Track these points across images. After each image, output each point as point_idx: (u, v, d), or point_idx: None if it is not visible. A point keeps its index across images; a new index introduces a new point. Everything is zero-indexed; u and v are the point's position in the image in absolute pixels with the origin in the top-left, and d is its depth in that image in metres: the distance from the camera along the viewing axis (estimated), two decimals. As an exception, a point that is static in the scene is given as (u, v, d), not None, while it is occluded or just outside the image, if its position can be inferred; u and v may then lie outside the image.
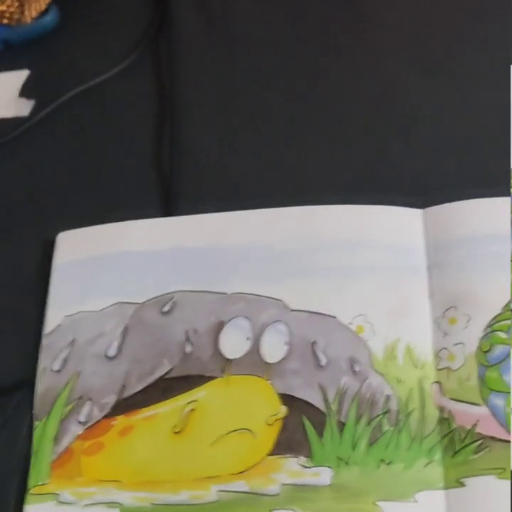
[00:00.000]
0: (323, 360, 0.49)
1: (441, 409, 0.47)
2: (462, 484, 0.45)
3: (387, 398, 0.48)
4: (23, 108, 0.63)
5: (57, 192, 0.59)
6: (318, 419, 0.47)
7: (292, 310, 0.50)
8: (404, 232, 0.52)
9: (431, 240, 0.52)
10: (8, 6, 0.64)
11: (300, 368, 0.49)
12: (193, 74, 0.64)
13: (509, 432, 0.47)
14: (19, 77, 0.65)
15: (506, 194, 0.53)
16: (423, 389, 0.48)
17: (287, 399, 0.48)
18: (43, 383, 0.50)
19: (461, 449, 0.46)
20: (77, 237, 0.55)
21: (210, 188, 0.58)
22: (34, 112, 0.63)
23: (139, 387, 0.49)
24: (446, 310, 0.50)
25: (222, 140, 0.60)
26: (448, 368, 0.48)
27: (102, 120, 0.62)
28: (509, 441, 0.46)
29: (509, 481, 0.45)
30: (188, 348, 0.50)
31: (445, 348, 0.49)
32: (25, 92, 0.64)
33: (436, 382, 0.48)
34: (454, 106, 0.59)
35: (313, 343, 0.49)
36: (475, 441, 0.46)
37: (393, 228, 0.53)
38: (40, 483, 0.47)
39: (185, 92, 0.63)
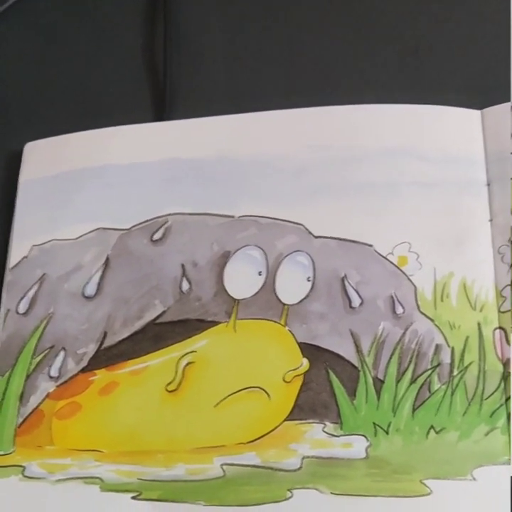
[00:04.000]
0: (356, 301, 0.41)
1: (506, 362, 0.40)
2: None
3: (438, 348, 0.40)
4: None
5: (25, 96, 0.53)
6: (350, 375, 0.41)
7: (316, 237, 0.43)
8: (460, 138, 0.44)
9: (492, 149, 0.43)
10: None
11: (326, 311, 0.41)
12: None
13: None
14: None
15: None
16: (483, 336, 0.40)
17: (310, 350, 0.41)
18: (6, 329, 0.44)
19: None
20: (49, 147, 0.48)
21: (213, 87, 0.50)
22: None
23: (125, 334, 0.43)
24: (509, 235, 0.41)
25: (228, 28, 0.52)
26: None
27: (77, 10, 0.55)
28: None
29: None
30: (185, 286, 0.43)
31: (511, 285, 0.40)
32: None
33: (500, 328, 0.40)
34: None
35: (343, 279, 0.42)
36: None
37: (447, 133, 0.44)
38: (1, 452, 0.42)
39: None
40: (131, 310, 0.43)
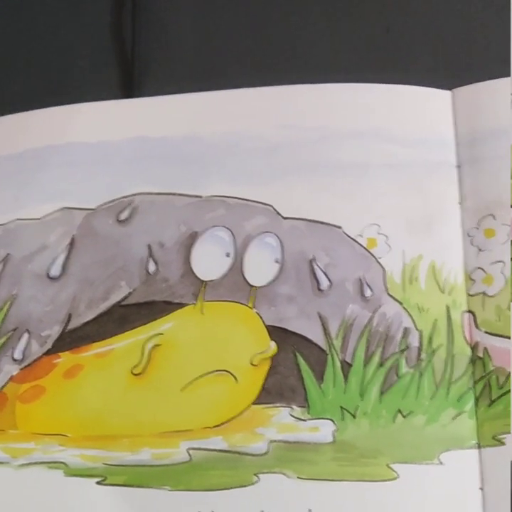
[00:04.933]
0: (324, 283, 0.41)
1: (475, 346, 0.39)
2: (500, 442, 0.38)
3: (406, 332, 0.40)
4: None
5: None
6: (317, 358, 0.40)
7: (285, 218, 0.42)
8: (431, 119, 0.43)
9: (462, 130, 0.43)
10: None
11: (294, 293, 0.41)
12: None
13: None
14: None
15: None
16: (451, 320, 0.40)
17: (278, 332, 0.40)
18: (-33, 310, 0.43)
19: (499, 397, 0.38)
20: (12, 124, 0.46)
21: (182, 64, 0.49)
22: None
23: (90, 316, 0.42)
24: (482, 219, 0.41)
25: (197, 3, 0.51)
26: (483, 294, 0.40)
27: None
28: None
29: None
30: (152, 267, 0.42)
31: (480, 268, 0.40)
32: None
33: (469, 311, 0.40)
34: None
35: (312, 261, 0.41)
36: None
37: (417, 114, 0.43)
38: (-38, 436, 0.41)
39: None
40: (96, 291, 0.42)
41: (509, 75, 0.42)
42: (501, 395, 0.38)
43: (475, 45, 0.47)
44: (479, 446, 0.38)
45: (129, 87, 0.48)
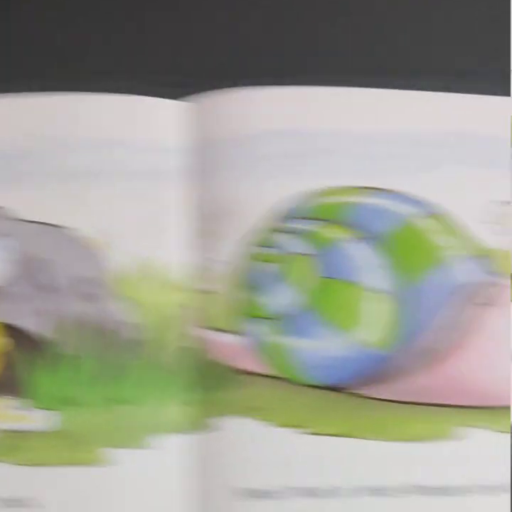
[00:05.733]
0: (54, 283, 0.42)
1: (195, 339, 0.41)
2: (212, 427, 0.40)
3: (129, 327, 0.41)
4: None
5: None
6: (39, 352, 0.41)
7: (18, 220, 0.43)
8: (164, 127, 0.44)
9: (195, 138, 0.44)
10: None
11: (25, 292, 0.42)
12: None
13: (267, 365, 0.40)
14: None
15: (300, 83, 0.45)
16: (174, 315, 0.42)
17: (9, 329, 0.41)
18: None
19: (213, 386, 0.41)
20: None
21: None
22: None
23: None
24: (206, 221, 0.43)
25: None
26: (204, 290, 0.42)
27: None
28: (267, 377, 0.40)
29: (265, 422, 0.39)
30: None
31: (202, 267, 0.42)
32: None
33: (191, 306, 0.42)
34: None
35: (41, 262, 0.42)
36: (229, 377, 0.40)
37: (150, 123, 0.44)
38: None
39: None
40: None
41: (244, 86, 0.44)
42: (215, 384, 0.40)
43: (213, 54, 0.47)
44: (193, 431, 0.40)
45: None
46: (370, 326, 0.40)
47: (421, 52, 0.47)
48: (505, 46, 0.46)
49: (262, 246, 0.42)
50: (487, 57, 0.47)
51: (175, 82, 0.46)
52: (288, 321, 0.41)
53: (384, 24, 0.48)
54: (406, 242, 0.41)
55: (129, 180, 0.43)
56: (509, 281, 0.41)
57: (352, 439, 0.39)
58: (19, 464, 0.39)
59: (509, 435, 0.39)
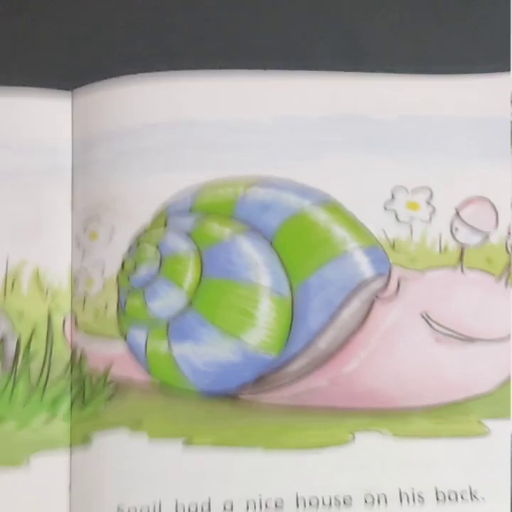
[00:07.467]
0: None
1: (74, 349, 0.39)
2: (90, 441, 0.37)
3: (3, 338, 0.39)
4: None
5: None
6: None
7: None
8: (47, 122, 0.42)
9: (79, 133, 0.42)
10: None
11: None
12: None
13: (148, 373, 0.38)
14: None
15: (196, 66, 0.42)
16: (52, 324, 0.39)
17: None
18: None
19: (91, 398, 0.38)
20: None
21: None
22: None
23: None
24: (89, 222, 0.40)
25: None
26: (85, 296, 0.39)
27: None
28: (150, 385, 0.38)
29: (147, 435, 0.37)
30: None
31: (83, 271, 0.40)
32: None
33: (72, 314, 0.39)
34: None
35: None
36: (109, 388, 0.38)
37: (31, 118, 0.42)
38: None
39: None
40: None
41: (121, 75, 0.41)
42: (93, 397, 0.38)
43: (99, 44, 0.44)
44: (71, 447, 0.37)
45: None
46: (259, 328, 0.38)
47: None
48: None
49: (144, 245, 0.39)
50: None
51: (53, 76, 0.43)
52: (171, 325, 0.38)
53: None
54: (296, 236, 0.39)
55: (6, 181, 0.41)
56: (402, 273, 0.38)
57: (238, 448, 0.37)
58: None
59: (402, 439, 0.37)
